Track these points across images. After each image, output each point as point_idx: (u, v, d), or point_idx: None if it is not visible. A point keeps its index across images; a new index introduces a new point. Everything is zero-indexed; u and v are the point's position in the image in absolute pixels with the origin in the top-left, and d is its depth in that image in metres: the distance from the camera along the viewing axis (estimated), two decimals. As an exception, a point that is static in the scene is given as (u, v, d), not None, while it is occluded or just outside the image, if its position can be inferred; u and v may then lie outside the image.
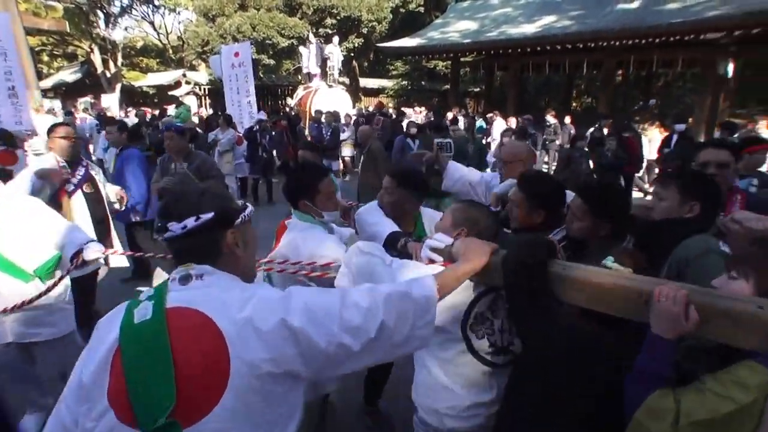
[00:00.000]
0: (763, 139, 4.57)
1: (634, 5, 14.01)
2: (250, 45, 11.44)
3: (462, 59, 19.32)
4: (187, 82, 24.10)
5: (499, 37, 15.50)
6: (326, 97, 14.55)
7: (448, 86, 25.52)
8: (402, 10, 23.84)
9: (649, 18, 12.80)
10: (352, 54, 22.91)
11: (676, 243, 1.72)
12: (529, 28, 15.39)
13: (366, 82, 26.57)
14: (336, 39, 15.94)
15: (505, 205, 2.40)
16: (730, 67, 12.90)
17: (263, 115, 10.77)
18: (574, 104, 23.51)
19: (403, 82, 26.36)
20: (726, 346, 1.11)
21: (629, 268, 1.34)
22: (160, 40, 32.51)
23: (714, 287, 1.24)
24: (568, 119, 11.99)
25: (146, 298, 1.09)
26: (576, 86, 23.60)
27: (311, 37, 15.51)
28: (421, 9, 24.15)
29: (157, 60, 33.07)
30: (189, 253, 1.13)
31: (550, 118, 11.81)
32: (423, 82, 26.16)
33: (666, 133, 8.48)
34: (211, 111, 19.12)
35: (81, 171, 3.60)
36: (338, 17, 21.57)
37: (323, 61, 15.22)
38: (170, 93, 23.55)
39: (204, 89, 24.32)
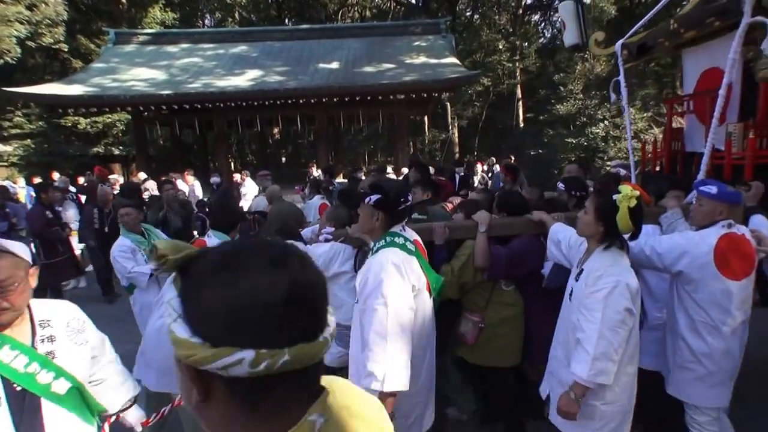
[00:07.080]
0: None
1: (334, 65, 15.16)
2: None
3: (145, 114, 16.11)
4: None
5: (207, 89, 13.76)
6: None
7: (98, 149, 20.28)
8: (31, 43, 17.85)
9: (355, 78, 14.10)
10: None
11: None
12: (238, 81, 14.36)
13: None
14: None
15: None
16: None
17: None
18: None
19: (44, 145, 19.29)
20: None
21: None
22: None
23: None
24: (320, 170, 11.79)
25: None
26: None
27: None
28: (64, 46, 18.75)
29: None
30: None
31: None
32: (54, 144, 19.28)
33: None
34: None
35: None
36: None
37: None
38: None
39: None
